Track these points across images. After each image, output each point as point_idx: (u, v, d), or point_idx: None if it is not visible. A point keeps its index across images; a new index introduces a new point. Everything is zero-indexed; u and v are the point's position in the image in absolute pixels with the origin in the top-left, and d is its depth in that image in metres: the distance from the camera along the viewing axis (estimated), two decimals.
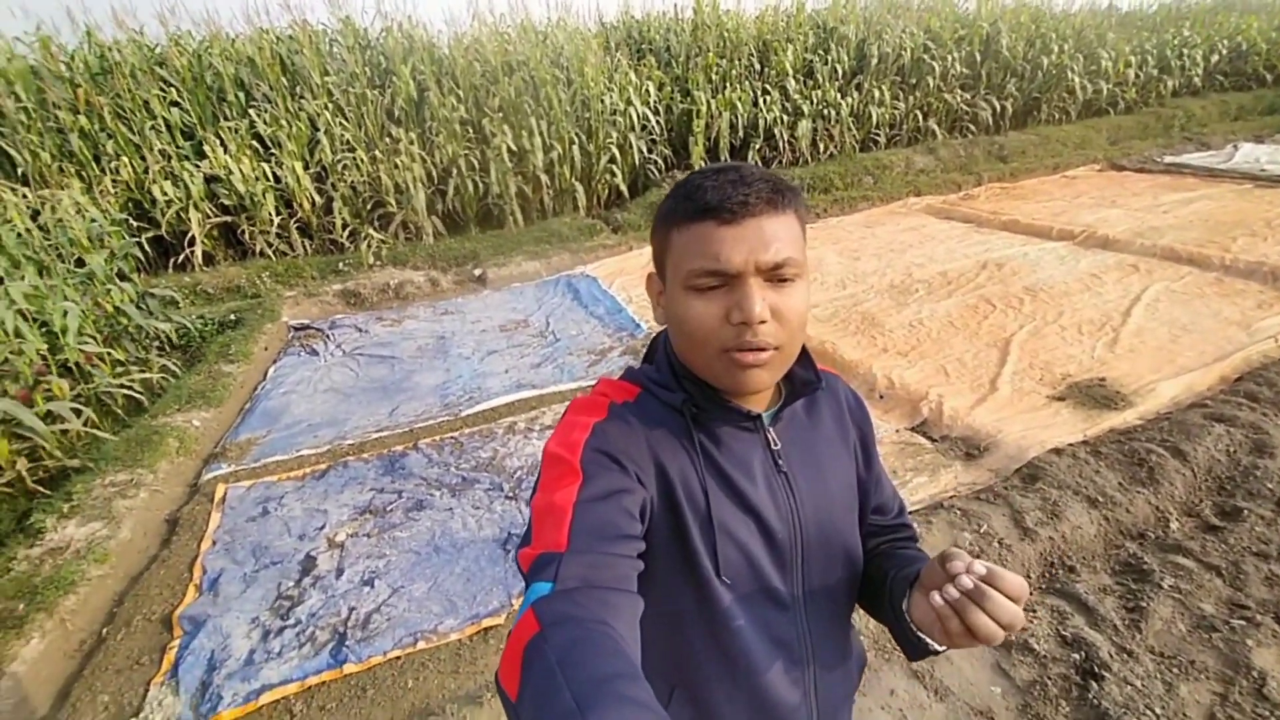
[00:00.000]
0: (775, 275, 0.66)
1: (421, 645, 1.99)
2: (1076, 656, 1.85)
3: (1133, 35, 9.77)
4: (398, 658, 1.96)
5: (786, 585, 0.74)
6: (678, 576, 0.71)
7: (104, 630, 2.15)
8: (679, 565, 0.71)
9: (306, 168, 5.78)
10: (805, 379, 0.77)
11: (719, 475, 0.72)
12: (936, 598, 0.59)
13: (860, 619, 1.86)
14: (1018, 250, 5.13)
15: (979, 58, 8.34)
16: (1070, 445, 2.69)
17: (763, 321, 0.65)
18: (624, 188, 6.77)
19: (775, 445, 0.75)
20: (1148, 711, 1.67)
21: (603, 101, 6.58)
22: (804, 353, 0.76)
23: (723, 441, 0.73)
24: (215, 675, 1.93)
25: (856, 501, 0.82)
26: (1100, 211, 5.98)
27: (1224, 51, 10.36)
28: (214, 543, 2.54)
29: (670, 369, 0.75)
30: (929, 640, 0.68)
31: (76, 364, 3.35)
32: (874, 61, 7.82)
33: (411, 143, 5.92)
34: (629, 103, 6.71)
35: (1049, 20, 9.13)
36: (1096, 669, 1.79)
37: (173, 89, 5.73)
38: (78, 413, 3.07)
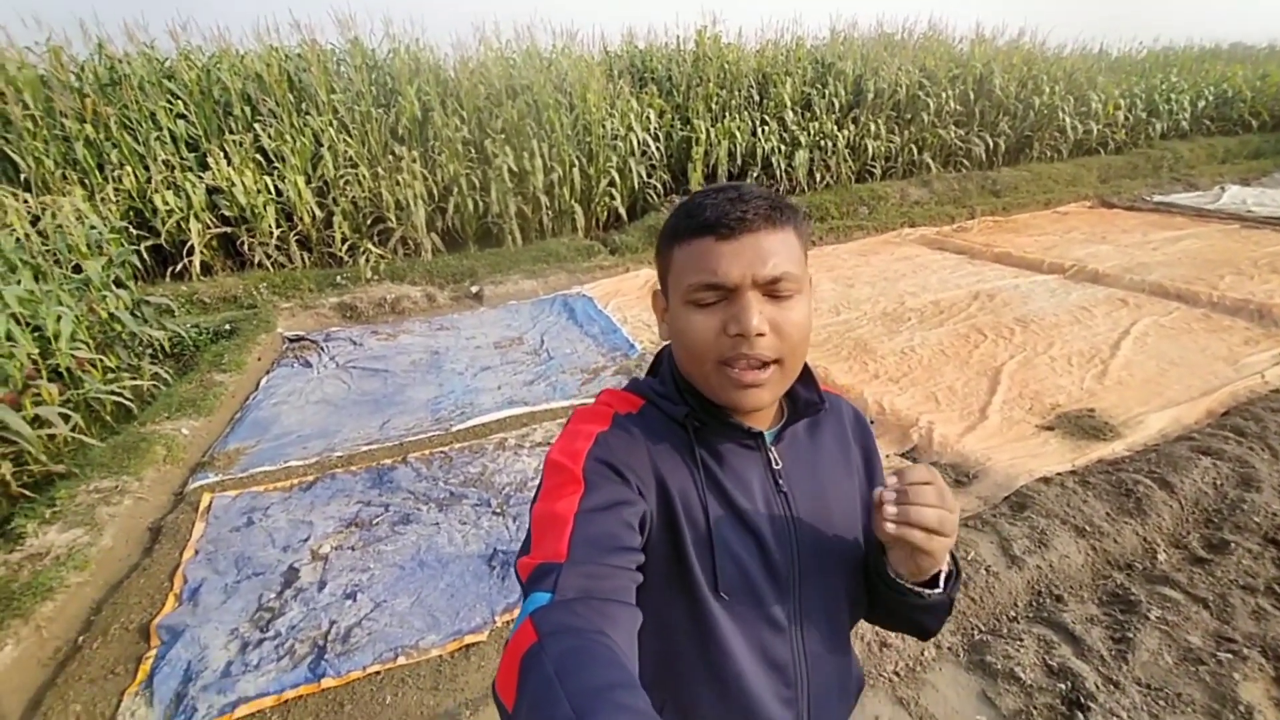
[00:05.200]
0: (773, 290, 0.67)
1: (402, 661, 1.96)
2: (1063, 686, 1.83)
3: (1122, 79, 10.04)
4: (377, 673, 1.92)
5: (783, 607, 0.74)
6: (672, 590, 0.71)
7: (80, 638, 2.11)
8: (674, 579, 0.71)
9: (309, 182, 5.84)
10: (808, 399, 0.77)
11: (719, 491, 0.72)
12: (886, 511, 0.65)
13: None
14: (1009, 282, 5.20)
15: (972, 96, 8.55)
16: (1059, 474, 2.70)
17: (761, 335, 0.65)
18: (623, 211, 6.86)
19: (776, 464, 0.75)
20: None
21: (604, 127, 6.69)
22: (809, 374, 0.77)
23: (724, 458, 0.74)
24: (190, 686, 1.89)
25: (860, 524, 0.80)
26: (1091, 247, 6.08)
27: (1210, 97, 10.67)
28: (196, 552, 2.51)
29: (674, 382, 0.76)
30: (903, 579, 0.71)
31: (67, 369, 3.34)
32: (870, 96, 8.00)
33: (414, 161, 5.99)
34: (630, 128, 6.83)
35: (1040, 63, 9.39)
36: (1083, 699, 1.78)
37: (180, 101, 5.81)
38: (65, 418, 3.05)
